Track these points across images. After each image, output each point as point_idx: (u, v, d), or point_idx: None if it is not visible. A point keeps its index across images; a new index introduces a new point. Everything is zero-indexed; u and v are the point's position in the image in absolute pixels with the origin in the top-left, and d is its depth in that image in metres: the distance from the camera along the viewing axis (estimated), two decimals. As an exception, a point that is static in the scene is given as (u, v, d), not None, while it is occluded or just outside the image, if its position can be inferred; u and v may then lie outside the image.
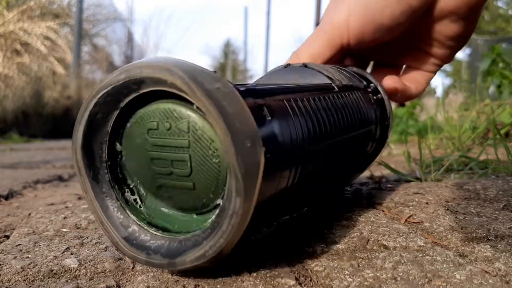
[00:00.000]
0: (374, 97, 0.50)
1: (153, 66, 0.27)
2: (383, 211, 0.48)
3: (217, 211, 0.29)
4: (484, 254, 0.35)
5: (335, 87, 0.43)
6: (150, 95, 0.30)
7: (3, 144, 2.59)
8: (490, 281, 0.30)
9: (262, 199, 0.27)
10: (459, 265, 0.33)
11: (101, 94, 0.30)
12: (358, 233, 0.40)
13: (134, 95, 0.30)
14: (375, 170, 0.87)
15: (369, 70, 0.59)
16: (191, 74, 0.26)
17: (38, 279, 0.33)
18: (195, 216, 0.31)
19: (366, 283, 0.30)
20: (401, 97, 0.54)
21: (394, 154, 1.26)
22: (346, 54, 0.54)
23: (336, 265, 0.33)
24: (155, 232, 0.32)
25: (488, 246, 0.36)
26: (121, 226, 0.32)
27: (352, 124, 0.41)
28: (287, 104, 0.33)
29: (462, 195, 0.53)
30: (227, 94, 0.26)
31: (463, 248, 0.37)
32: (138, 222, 0.32)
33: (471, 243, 0.38)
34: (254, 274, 0.32)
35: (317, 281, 0.31)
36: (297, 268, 0.33)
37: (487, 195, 0.53)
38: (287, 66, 0.48)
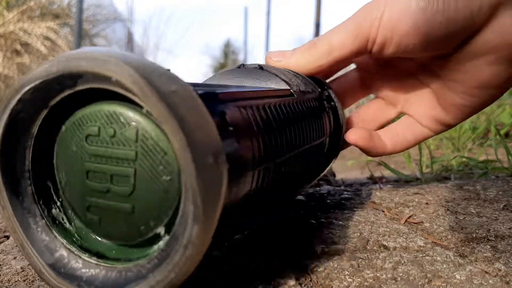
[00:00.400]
0: (328, 105, 0.45)
1: (94, 58, 0.22)
2: (383, 211, 0.48)
3: (161, 241, 0.25)
4: (484, 255, 0.35)
5: (293, 93, 0.39)
6: (89, 93, 0.24)
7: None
8: (490, 281, 0.30)
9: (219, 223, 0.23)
10: (459, 265, 0.33)
11: (26, 89, 0.24)
12: (358, 234, 0.40)
13: (69, 92, 0.24)
14: (375, 170, 0.87)
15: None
16: (143, 71, 0.21)
17: (38, 279, 0.33)
18: (127, 248, 0.26)
19: (366, 283, 0.30)
20: (368, 153, 0.47)
21: (394, 154, 1.26)
22: (352, 74, 0.49)
23: (336, 265, 0.33)
24: (88, 259, 0.26)
25: (488, 247, 0.36)
26: (46, 250, 0.27)
27: (309, 135, 0.38)
28: (249, 113, 0.29)
29: (462, 196, 0.53)
30: (186, 98, 0.22)
31: (463, 248, 0.37)
32: (68, 246, 0.27)
33: (471, 243, 0.38)
34: (254, 275, 0.32)
35: (317, 281, 0.31)
36: (297, 268, 0.33)
37: (487, 196, 0.53)
38: (240, 66, 0.43)
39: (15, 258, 0.37)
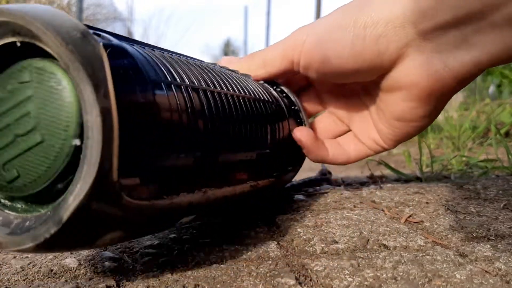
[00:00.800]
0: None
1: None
2: (383, 210, 0.48)
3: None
4: (485, 254, 0.35)
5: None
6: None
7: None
8: (490, 280, 0.30)
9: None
10: (459, 264, 0.33)
11: None
12: (358, 233, 0.40)
13: None
14: (375, 169, 0.87)
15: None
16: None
17: (37, 278, 0.33)
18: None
19: (366, 282, 0.30)
20: (308, 154, 0.48)
21: (394, 153, 1.26)
22: (308, 88, 0.53)
23: (336, 264, 0.33)
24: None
25: (489, 246, 0.36)
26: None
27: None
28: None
29: (462, 195, 0.53)
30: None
31: (463, 247, 0.37)
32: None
33: (471, 242, 0.38)
34: (254, 274, 0.32)
35: (317, 281, 0.31)
36: (297, 267, 0.33)
37: (487, 195, 0.53)
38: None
39: (14, 257, 0.37)
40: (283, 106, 0.47)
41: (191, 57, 0.39)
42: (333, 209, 0.48)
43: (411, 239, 0.39)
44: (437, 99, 0.41)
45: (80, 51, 0.23)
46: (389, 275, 0.31)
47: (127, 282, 0.32)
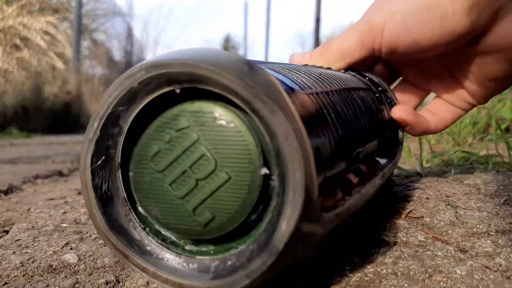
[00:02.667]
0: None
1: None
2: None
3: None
4: (485, 250, 0.35)
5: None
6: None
7: (2, 139, 2.58)
8: (491, 276, 0.30)
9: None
10: (460, 260, 0.33)
11: None
12: (358, 228, 0.39)
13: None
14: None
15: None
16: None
17: (37, 274, 0.33)
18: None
19: (366, 278, 0.30)
20: (412, 130, 0.47)
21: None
22: (376, 62, 0.49)
23: (335, 260, 0.33)
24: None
25: (489, 241, 0.36)
26: None
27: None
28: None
29: (462, 190, 0.53)
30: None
31: (463, 243, 0.37)
32: None
33: (471, 238, 0.38)
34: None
35: (317, 277, 0.31)
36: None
37: (487, 190, 0.52)
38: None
39: (14, 253, 0.37)
40: (374, 89, 0.46)
41: (298, 65, 0.38)
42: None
43: (411, 234, 0.38)
44: None
45: (257, 82, 0.23)
46: (389, 270, 0.31)
47: (126, 278, 0.32)
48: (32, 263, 0.35)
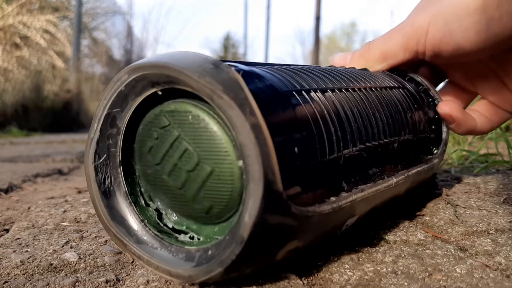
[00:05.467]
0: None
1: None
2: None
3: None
4: (485, 248, 0.35)
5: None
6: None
7: (2, 137, 2.58)
8: (490, 275, 0.30)
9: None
10: (460, 259, 0.33)
11: None
12: (358, 227, 0.39)
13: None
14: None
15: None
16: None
17: (37, 273, 0.33)
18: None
19: (366, 277, 0.30)
20: (458, 128, 0.46)
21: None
22: (422, 63, 0.49)
23: (336, 258, 0.33)
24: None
25: (489, 240, 0.36)
26: None
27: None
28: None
29: (462, 189, 0.53)
30: None
31: (463, 242, 0.37)
32: None
33: (471, 237, 0.38)
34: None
35: (317, 275, 0.31)
36: (297, 261, 0.33)
37: (487, 189, 0.52)
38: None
39: (14, 251, 0.37)
40: (410, 88, 0.45)
41: (310, 66, 0.38)
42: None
43: (411, 233, 0.38)
44: None
45: (217, 79, 0.24)
46: (389, 269, 0.31)
47: (126, 277, 0.32)
48: (32, 261, 0.35)
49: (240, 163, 0.25)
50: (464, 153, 0.83)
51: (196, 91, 0.25)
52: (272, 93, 0.27)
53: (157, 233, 0.30)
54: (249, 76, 0.27)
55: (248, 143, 0.23)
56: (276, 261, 0.28)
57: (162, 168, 0.29)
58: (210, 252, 0.27)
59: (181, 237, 0.30)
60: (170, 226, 0.30)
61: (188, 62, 0.25)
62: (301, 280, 0.30)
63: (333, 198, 0.29)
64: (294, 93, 0.29)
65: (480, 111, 0.48)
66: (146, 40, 8.63)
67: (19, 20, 3.85)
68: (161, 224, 0.31)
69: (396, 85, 0.43)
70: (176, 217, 0.30)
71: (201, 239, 0.29)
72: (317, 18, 5.90)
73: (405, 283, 0.29)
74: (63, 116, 3.79)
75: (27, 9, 3.99)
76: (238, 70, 0.26)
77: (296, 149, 0.26)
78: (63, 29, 4.52)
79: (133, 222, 0.30)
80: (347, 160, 0.31)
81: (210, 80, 0.24)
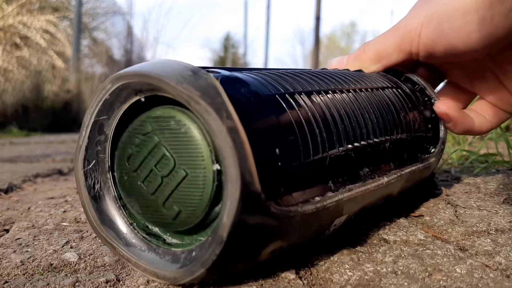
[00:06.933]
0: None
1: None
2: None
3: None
4: (485, 248, 0.35)
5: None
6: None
7: (2, 138, 2.58)
8: (490, 275, 0.30)
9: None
10: (460, 259, 0.33)
11: None
12: (358, 227, 0.39)
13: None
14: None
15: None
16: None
17: (37, 273, 0.33)
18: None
19: (366, 277, 0.30)
20: (455, 127, 0.45)
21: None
22: (421, 63, 0.48)
23: (336, 259, 0.33)
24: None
25: (489, 240, 0.36)
26: None
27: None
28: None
29: (462, 189, 0.53)
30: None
31: (463, 242, 0.37)
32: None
33: (471, 237, 0.38)
34: (254, 268, 0.32)
35: (317, 275, 0.31)
36: (297, 261, 0.33)
37: (487, 189, 0.52)
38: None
39: (14, 251, 0.37)
40: (405, 87, 0.45)
41: (299, 69, 0.39)
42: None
43: (411, 233, 0.38)
44: None
45: (195, 86, 0.25)
46: (389, 269, 0.31)
47: (127, 277, 0.32)
48: (33, 261, 0.35)
49: (216, 167, 0.26)
50: (464, 153, 0.83)
51: (175, 98, 0.26)
52: (254, 97, 0.28)
53: (145, 236, 0.31)
54: (229, 82, 0.28)
55: (225, 146, 0.24)
56: (260, 261, 0.28)
57: (137, 175, 0.29)
58: (194, 253, 0.27)
59: (169, 239, 0.30)
60: (155, 229, 0.31)
61: (168, 70, 0.26)
62: (301, 280, 0.30)
63: (317, 198, 0.29)
64: (277, 96, 0.30)
65: (478, 111, 0.48)
66: (146, 40, 8.64)
67: (19, 20, 3.85)
68: (150, 227, 0.31)
69: (389, 85, 0.43)
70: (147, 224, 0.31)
71: (188, 241, 0.29)
72: (317, 18, 5.90)
73: (405, 283, 0.29)
74: (63, 116, 3.78)
75: (27, 9, 3.99)
76: (218, 77, 0.27)
77: (277, 150, 0.27)
78: (63, 29, 4.52)
79: (122, 225, 0.31)
80: (333, 161, 0.31)
81: (187, 86, 0.25)
